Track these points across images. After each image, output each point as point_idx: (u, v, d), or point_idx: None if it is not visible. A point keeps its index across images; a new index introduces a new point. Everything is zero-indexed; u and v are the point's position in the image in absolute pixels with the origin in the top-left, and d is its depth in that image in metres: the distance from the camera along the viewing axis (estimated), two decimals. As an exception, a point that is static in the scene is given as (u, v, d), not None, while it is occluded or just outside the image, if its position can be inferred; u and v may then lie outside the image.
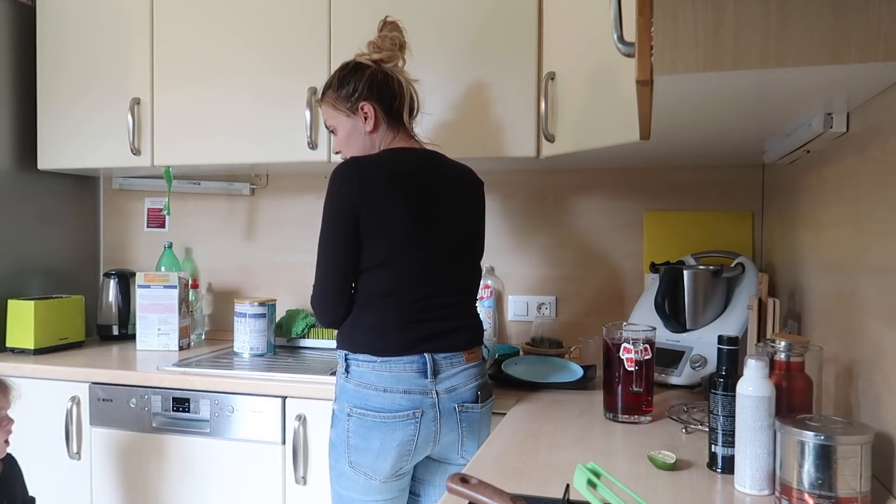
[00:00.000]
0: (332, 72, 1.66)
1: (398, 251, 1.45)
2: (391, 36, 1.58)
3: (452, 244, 1.52)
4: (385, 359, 1.44)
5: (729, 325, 1.78)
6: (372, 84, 1.53)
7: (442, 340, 1.47)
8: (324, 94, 1.60)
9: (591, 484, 1.08)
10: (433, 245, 1.48)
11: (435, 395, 1.45)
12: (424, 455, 1.50)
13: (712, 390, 1.20)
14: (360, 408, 1.44)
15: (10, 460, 1.69)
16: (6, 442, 1.61)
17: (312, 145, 2.07)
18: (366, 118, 1.54)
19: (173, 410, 1.92)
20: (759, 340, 1.55)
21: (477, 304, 1.65)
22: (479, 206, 1.64)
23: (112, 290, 2.47)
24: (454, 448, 1.51)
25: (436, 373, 1.45)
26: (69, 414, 2.00)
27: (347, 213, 1.43)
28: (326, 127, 1.64)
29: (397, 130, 1.57)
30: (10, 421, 1.61)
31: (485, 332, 2.06)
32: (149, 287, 2.30)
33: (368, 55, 1.58)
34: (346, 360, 1.48)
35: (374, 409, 1.43)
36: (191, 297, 2.41)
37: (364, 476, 1.46)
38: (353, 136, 1.56)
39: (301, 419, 1.83)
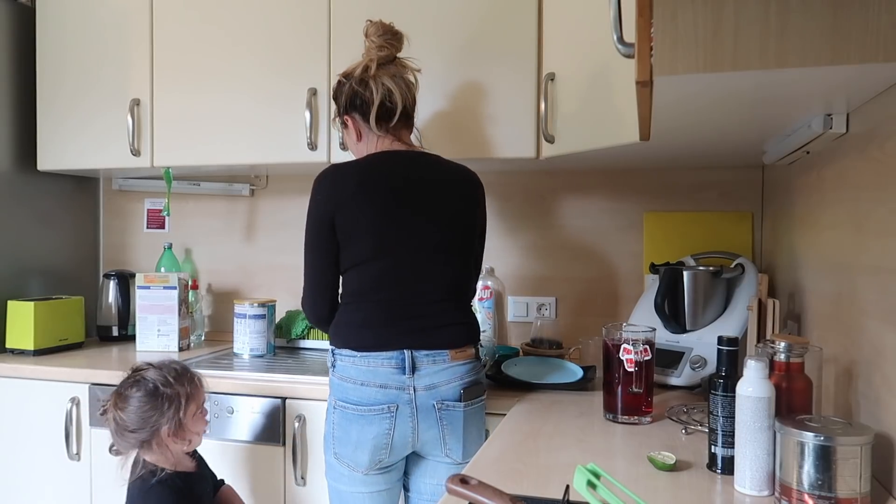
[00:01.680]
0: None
1: (372, 252, 1.51)
2: (369, 43, 1.61)
3: (430, 243, 1.53)
4: (364, 354, 1.49)
5: (728, 325, 1.78)
6: (347, 98, 1.62)
7: (423, 338, 1.50)
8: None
9: (591, 485, 1.08)
10: (407, 245, 1.52)
11: (412, 391, 1.48)
12: (406, 450, 1.52)
13: (712, 391, 1.20)
14: (342, 401, 1.51)
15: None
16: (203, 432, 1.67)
17: (312, 146, 2.07)
18: (351, 128, 1.64)
19: (173, 411, 1.92)
20: (758, 341, 1.55)
21: (476, 304, 1.65)
22: (469, 205, 1.61)
23: (112, 291, 2.47)
24: (437, 446, 1.52)
25: (414, 369, 1.49)
26: (69, 415, 2.00)
27: (324, 218, 1.52)
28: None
29: (379, 135, 1.61)
30: (206, 411, 1.68)
31: (484, 333, 2.07)
32: (148, 288, 2.30)
33: (355, 67, 1.62)
34: (332, 355, 1.55)
35: (352, 403, 1.49)
36: (190, 298, 2.41)
37: (347, 468, 1.51)
38: (351, 144, 1.69)
39: (300, 420, 1.83)
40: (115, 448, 1.60)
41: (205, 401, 1.66)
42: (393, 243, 1.51)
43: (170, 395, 1.56)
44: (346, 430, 1.50)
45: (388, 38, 1.60)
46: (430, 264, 1.53)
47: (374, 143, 1.62)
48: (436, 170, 1.60)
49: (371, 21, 1.63)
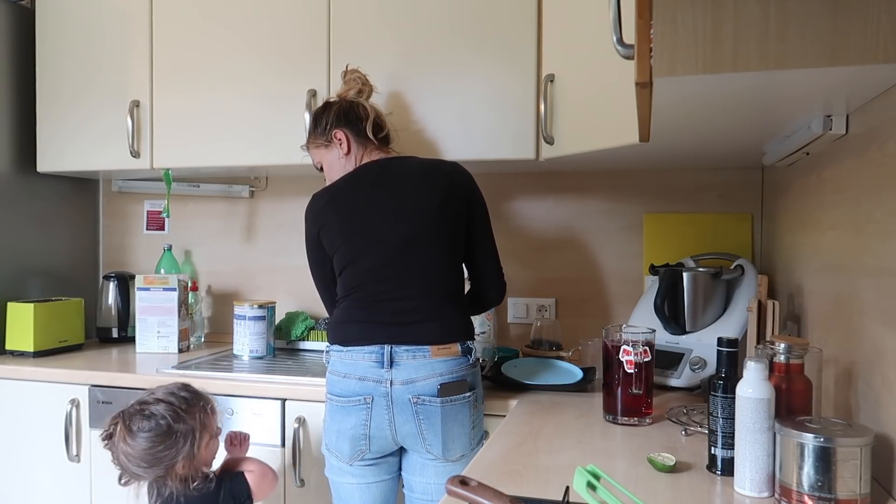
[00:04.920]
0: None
1: (349, 256, 1.60)
2: (354, 77, 1.81)
3: (400, 240, 1.57)
4: (349, 348, 1.57)
5: (728, 327, 1.78)
6: (339, 114, 1.73)
7: (403, 333, 1.54)
8: (306, 141, 1.80)
9: (591, 486, 1.08)
10: (377, 244, 1.58)
11: (388, 385, 1.53)
12: (388, 443, 1.56)
13: (712, 392, 1.20)
14: (330, 393, 1.59)
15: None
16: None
17: (312, 148, 2.07)
18: (340, 143, 1.71)
19: (173, 413, 1.91)
20: (758, 342, 1.55)
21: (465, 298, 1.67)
22: (445, 195, 1.60)
23: (111, 293, 2.47)
24: (417, 441, 1.54)
25: (393, 363, 1.53)
26: (69, 416, 2.00)
27: (313, 236, 1.66)
28: (315, 167, 1.81)
29: (366, 146, 1.72)
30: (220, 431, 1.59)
31: (484, 335, 2.07)
32: (148, 289, 2.30)
33: (347, 90, 1.79)
34: (327, 351, 1.63)
35: (335, 394, 1.58)
36: (190, 299, 2.41)
37: (336, 458, 1.59)
38: (334, 163, 1.74)
39: (300, 421, 1.83)
40: (124, 480, 1.50)
41: (217, 425, 1.56)
42: (362, 245, 1.59)
43: (184, 431, 1.46)
44: (331, 421, 1.58)
45: (367, 80, 1.81)
46: (406, 259, 1.57)
47: (361, 154, 1.72)
48: (404, 168, 1.65)
49: (349, 67, 1.84)
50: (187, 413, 1.48)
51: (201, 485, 1.49)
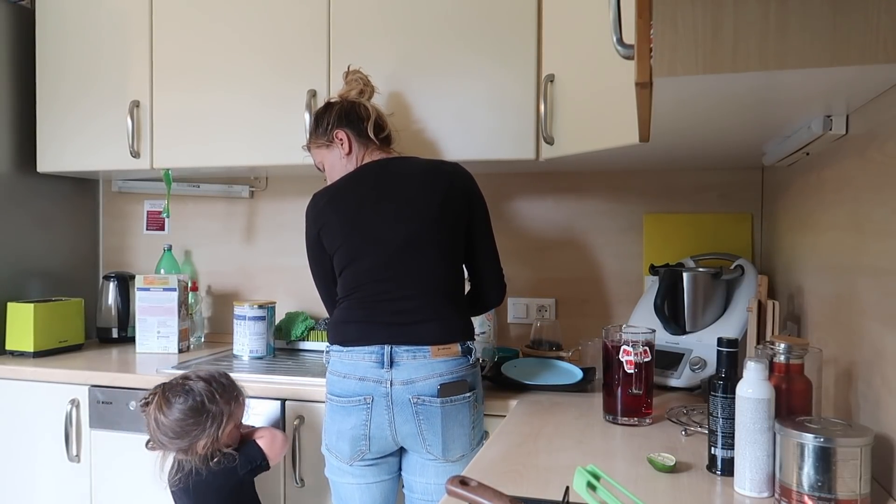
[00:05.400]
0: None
1: (348, 256, 1.60)
2: (355, 77, 1.82)
3: (399, 240, 1.57)
4: (349, 348, 1.57)
5: (728, 327, 1.78)
6: (340, 114, 1.74)
7: (403, 333, 1.55)
8: (308, 141, 1.81)
9: (591, 486, 1.08)
10: (377, 245, 1.58)
11: (388, 385, 1.53)
12: (388, 443, 1.56)
13: (712, 392, 1.20)
14: (330, 394, 1.60)
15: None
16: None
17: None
18: (341, 143, 1.72)
19: (173, 413, 1.91)
20: (758, 343, 1.55)
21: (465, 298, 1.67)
22: (445, 196, 1.60)
23: (111, 293, 2.47)
24: (417, 441, 1.54)
25: (393, 363, 1.53)
26: (69, 417, 2.00)
27: (313, 236, 1.66)
28: (317, 167, 1.82)
29: (367, 147, 1.73)
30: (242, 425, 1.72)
31: (484, 335, 2.07)
32: (148, 290, 2.30)
33: (348, 91, 1.80)
34: (327, 352, 1.64)
35: (335, 395, 1.58)
36: (190, 299, 2.41)
37: (336, 458, 1.59)
38: (336, 163, 1.74)
39: (300, 421, 1.83)
40: (151, 444, 1.65)
41: (242, 417, 1.69)
42: (363, 245, 1.59)
43: (214, 412, 1.60)
44: (331, 421, 1.59)
45: (369, 81, 1.82)
46: (407, 259, 1.57)
47: (362, 154, 1.72)
48: (405, 169, 1.66)
49: (351, 68, 1.85)
50: (221, 398, 1.62)
51: (221, 460, 1.61)
